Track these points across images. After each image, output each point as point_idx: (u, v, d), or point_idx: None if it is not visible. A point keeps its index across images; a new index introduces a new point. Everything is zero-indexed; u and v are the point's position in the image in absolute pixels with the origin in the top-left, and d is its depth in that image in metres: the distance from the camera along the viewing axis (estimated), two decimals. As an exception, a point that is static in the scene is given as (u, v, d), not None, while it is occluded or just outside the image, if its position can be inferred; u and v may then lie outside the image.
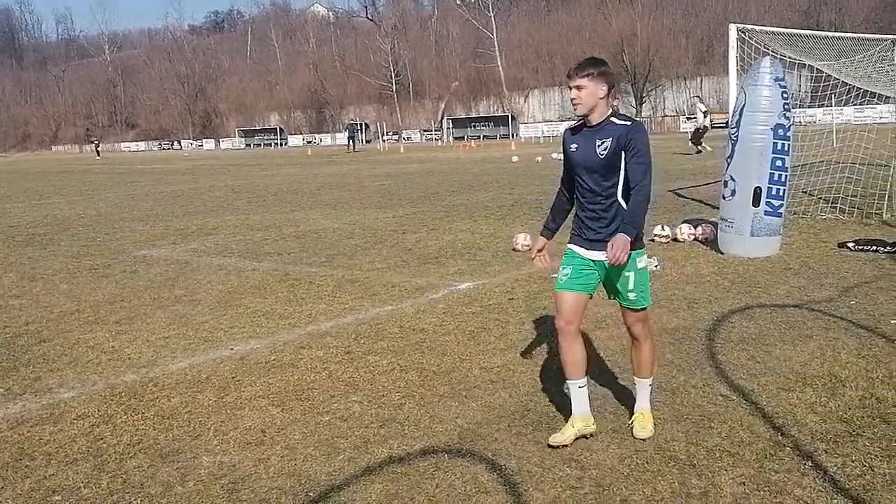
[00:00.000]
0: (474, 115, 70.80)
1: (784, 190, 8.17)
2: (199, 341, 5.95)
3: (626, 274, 3.72)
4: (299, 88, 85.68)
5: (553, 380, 4.68)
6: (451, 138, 62.91)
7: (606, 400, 4.33)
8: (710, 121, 27.38)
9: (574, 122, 3.88)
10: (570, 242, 3.90)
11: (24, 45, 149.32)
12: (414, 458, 3.73)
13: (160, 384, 4.97)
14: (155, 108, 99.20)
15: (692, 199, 13.41)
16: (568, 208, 4.07)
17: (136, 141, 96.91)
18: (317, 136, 78.96)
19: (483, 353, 5.30)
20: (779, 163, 8.05)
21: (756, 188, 8.04)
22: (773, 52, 10.78)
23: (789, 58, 12.36)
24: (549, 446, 3.73)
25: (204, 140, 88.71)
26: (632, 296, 3.77)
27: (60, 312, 7.10)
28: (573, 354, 3.79)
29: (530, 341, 5.53)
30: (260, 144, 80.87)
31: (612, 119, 3.69)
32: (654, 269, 7.60)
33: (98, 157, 63.44)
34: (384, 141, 58.69)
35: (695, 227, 9.27)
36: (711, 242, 8.81)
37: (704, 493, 3.22)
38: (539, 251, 4.11)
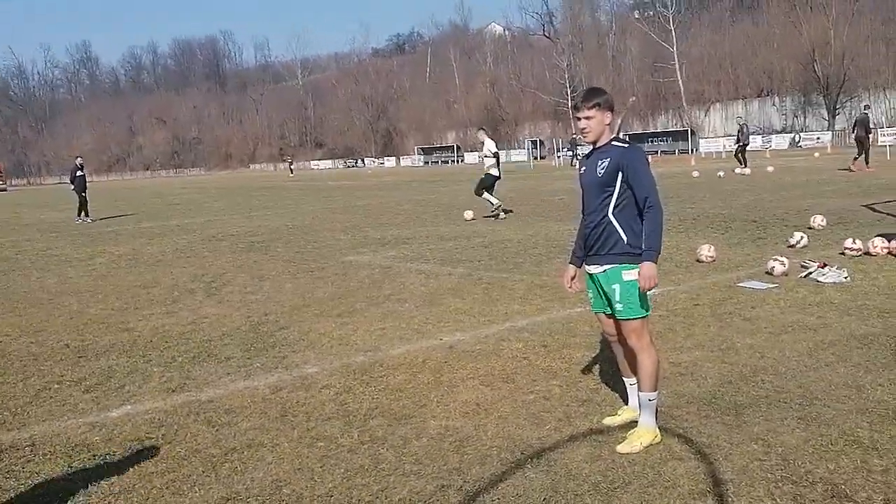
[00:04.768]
0: (651, 130, 69.61)
1: None
2: (412, 332, 6.78)
3: (613, 286, 4.07)
4: (476, 106, 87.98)
5: (742, 376, 5.05)
6: (627, 153, 61.63)
7: (792, 393, 4.65)
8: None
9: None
10: None
11: (226, 72, 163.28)
12: (612, 430, 4.27)
13: (385, 365, 5.80)
14: (341, 129, 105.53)
15: (888, 214, 12.94)
16: None
17: (324, 159, 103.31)
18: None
19: (671, 351, 5.73)
20: (982, 175, 7.83)
21: (956, 201, 7.87)
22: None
23: None
24: (605, 424, 4.34)
25: (385, 158, 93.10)
26: (618, 307, 4.07)
27: (291, 306, 8.22)
28: (620, 358, 4.43)
29: (717, 342, 5.89)
30: (437, 161, 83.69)
31: (614, 143, 4.12)
32: (844, 280, 7.65)
33: (292, 175, 68.36)
34: (558, 157, 59.05)
35: (889, 241, 9.12)
36: (907, 256, 8.65)
37: (885, 471, 3.53)
38: (572, 279, 4.48)
